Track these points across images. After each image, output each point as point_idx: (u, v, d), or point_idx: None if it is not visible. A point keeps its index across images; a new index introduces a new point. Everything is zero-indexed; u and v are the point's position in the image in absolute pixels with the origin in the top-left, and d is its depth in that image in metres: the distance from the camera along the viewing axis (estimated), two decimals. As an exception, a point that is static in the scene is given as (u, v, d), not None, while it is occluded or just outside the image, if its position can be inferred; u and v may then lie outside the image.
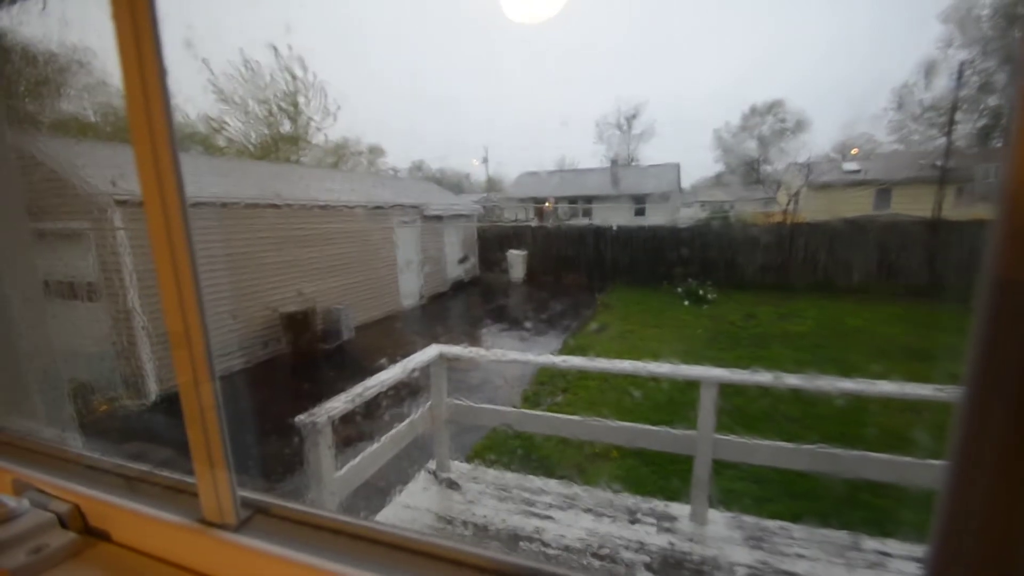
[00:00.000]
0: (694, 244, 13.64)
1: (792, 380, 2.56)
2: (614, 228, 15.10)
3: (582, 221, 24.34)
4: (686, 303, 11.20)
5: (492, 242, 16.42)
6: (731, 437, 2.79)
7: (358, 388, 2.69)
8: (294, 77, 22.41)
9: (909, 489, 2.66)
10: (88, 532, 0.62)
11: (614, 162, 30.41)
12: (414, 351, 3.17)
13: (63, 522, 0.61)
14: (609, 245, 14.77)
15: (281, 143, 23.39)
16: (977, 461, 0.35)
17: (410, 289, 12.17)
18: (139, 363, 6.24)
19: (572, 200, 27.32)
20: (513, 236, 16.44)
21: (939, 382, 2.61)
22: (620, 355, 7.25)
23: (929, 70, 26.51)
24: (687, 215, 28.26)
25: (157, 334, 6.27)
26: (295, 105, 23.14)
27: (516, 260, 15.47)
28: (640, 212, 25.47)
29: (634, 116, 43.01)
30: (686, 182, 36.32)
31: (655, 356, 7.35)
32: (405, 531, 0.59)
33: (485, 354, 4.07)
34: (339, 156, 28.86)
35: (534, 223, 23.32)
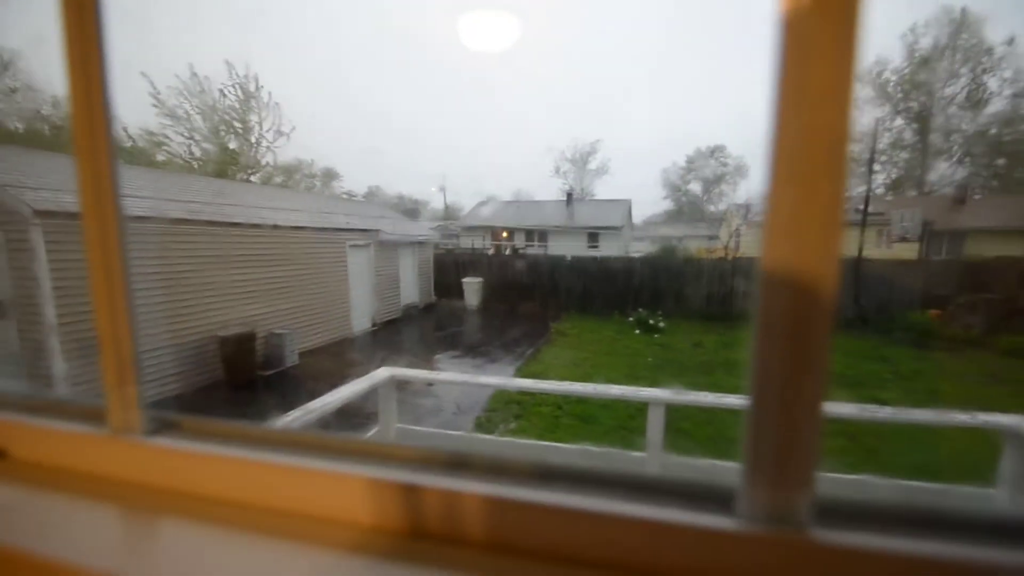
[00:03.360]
0: (644, 276, 14.15)
1: (732, 400, 2.67)
2: (568, 258, 15.45)
3: (538, 250, 24.78)
4: (637, 332, 11.51)
5: (448, 269, 16.35)
6: (681, 457, 2.84)
7: (297, 412, 2.53)
8: (246, 95, 21.91)
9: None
10: None
11: (570, 195, 31.41)
12: (363, 375, 3.05)
13: None
14: (564, 275, 15.07)
15: (228, 160, 22.57)
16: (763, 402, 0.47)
17: (362, 314, 11.82)
18: (51, 382, 5.64)
19: (528, 230, 27.82)
20: (469, 263, 16.45)
21: (861, 403, 2.80)
22: (574, 380, 7.29)
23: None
24: (638, 248, 29.40)
25: (75, 350, 5.72)
26: (244, 122, 22.54)
27: (472, 287, 15.44)
28: (594, 244, 26.26)
29: (590, 153, 44.98)
30: (637, 217, 38.00)
31: (608, 381, 7.44)
32: (314, 432, 0.61)
33: (437, 376, 3.98)
34: (291, 177, 28.15)
35: (490, 251, 23.49)
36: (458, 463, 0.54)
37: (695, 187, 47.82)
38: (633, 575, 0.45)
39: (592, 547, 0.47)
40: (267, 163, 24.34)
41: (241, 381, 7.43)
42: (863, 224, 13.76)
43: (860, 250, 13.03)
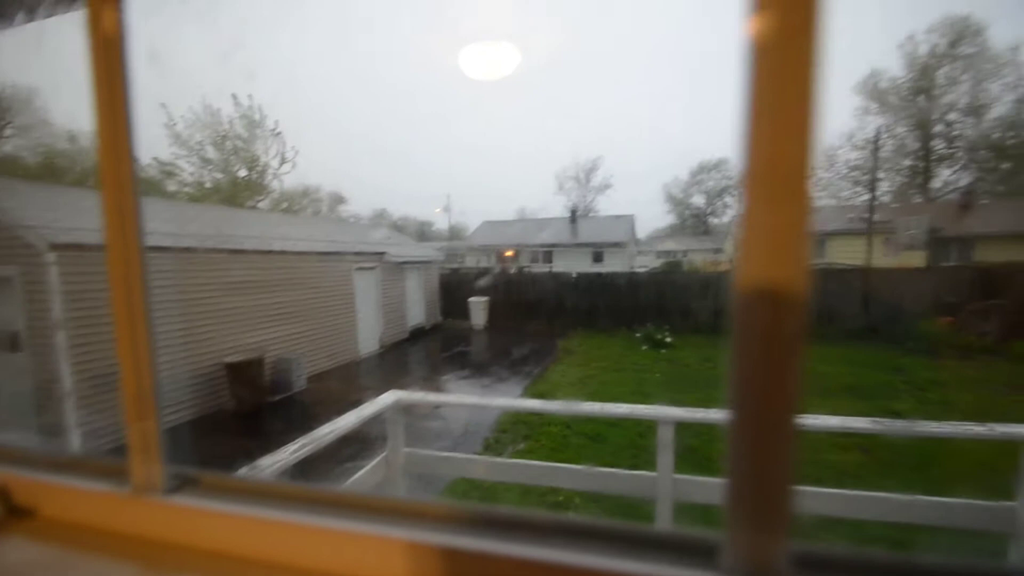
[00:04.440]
0: (650, 291, 14.12)
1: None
2: (574, 275, 15.47)
3: (543, 268, 24.85)
4: (644, 347, 11.43)
5: (454, 289, 16.41)
6: (692, 477, 2.80)
7: (306, 438, 2.54)
8: (253, 124, 22.49)
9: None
10: (13, 512, 0.62)
11: (573, 212, 31.59)
12: (369, 399, 3.06)
13: None
14: (569, 292, 15.07)
15: (237, 188, 23.04)
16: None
17: (369, 336, 11.86)
18: (61, 416, 5.69)
19: (533, 248, 27.95)
20: (475, 283, 16.52)
21: (874, 415, 2.76)
22: (583, 398, 7.24)
23: (850, 136, 29.71)
24: (643, 263, 29.40)
25: (89, 384, 5.78)
26: (251, 151, 23.09)
27: (478, 307, 15.47)
28: (598, 260, 26.30)
29: (592, 170, 45.34)
30: (641, 232, 38.08)
31: (617, 400, 7.38)
32: (338, 489, 0.61)
33: (444, 399, 3.97)
34: (297, 202, 28.63)
35: (496, 270, 23.61)
36: (483, 520, 0.55)
37: (698, 200, 47.94)
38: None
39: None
40: (274, 190, 24.82)
41: (249, 407, 7.45)
42: (869, 232, 13.69)
43: (868, 259, 12.94)
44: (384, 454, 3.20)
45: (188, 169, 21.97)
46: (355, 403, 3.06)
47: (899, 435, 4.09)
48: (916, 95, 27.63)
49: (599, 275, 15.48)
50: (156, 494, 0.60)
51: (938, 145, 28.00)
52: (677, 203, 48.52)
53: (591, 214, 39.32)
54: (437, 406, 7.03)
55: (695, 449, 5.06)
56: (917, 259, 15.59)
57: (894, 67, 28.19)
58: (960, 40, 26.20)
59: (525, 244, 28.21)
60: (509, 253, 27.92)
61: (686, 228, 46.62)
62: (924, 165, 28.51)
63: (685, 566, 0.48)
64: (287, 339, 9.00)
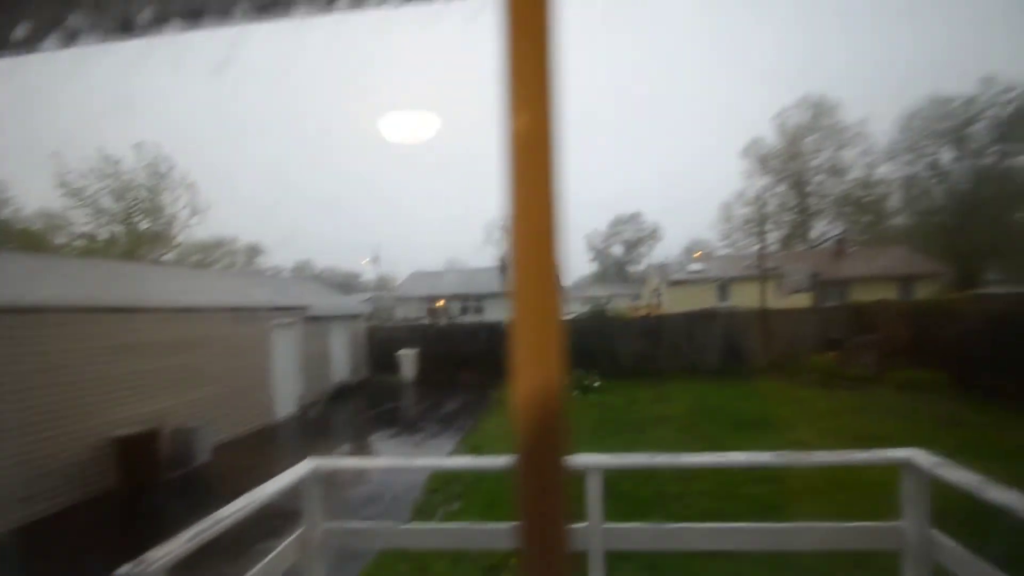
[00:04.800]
0: (578, 336, 14.55)
1: (661, 459, 2.75)
2: (504, 324, 15.60)
3: (474, 318, 24.82)
4: (575, 393, 11.63)
5: (382, 342, 15.85)
6: (623, 525, 2.82)
7: (206, 522, 2.26)
8: (159, 175, 21.07)
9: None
10: None
11: (503, 261, 32.29)
12: (284, 470, 2.80)
13: None
14: (500, 341, 15.12)
15: (139, 240, 21.12)
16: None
17: (287, 397, 11.00)
18: None
19: (463, 298, 27.95)
20: (404, 335, 16.09)
21: (781, 448, 3.00)
22: (513, 451, 7.12)
23: (741, 194, 33.78)
24: (570, 310, 30.38)
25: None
26: (156, 203, 21.47)
27: (408, 360, 15.00)
28: (528, 308, 26.79)
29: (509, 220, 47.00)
30: (568, 280, 39.60)
31: (549, 449, 7.34)
32: None
33: (367, 463, 3.74)
34: (210, 255, 26.71)
35: (426, 321, 23.18)
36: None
37: (617, 249, 51.17)
38: None
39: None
40: (181, 242, 23.05)
41: (141, 487, 6.51)
42: (763, 278, 15.30)
43: (763, 301, 14.38)
44: (299, 531, 2.92)
45: (81, 220, 19.88)
46: (267, 475, 2.79)
47: (801, 465, 4.44)
48: (790, 159, 32.26)
49: (529, 323, 15.73)
50: None
51: (812, 201, 32.58)
52: (598, 252, 51.41)
53: (519, 263, 40.29)
54: (361, 472, 6.58)
55: (627, 493, 5.13)
56: (804, 300, 17.60)
57: (771, 136, 32.86)
58: (819, 115, 31.36)
59: (456, 294, 28.17)
60: (439, 303, 27.67)
61: (608, 275, 49.26)
62: (802, 218, 32.91)
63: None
64: (191, 405, 8.10)
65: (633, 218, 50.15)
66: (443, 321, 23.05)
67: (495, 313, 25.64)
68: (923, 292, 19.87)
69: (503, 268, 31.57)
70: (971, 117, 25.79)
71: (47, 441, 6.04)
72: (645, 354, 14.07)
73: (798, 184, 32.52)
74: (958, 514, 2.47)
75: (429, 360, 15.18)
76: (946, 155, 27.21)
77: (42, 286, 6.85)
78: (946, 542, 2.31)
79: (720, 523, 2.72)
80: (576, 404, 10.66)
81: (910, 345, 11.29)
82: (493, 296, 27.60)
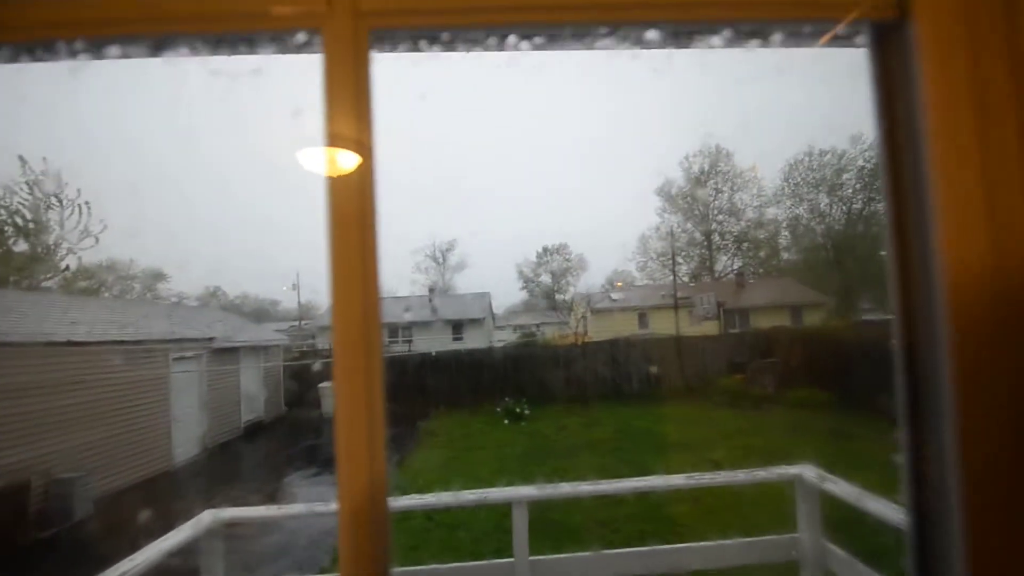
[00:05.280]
0: (508, 365, 14.63)
1: (586, 487, 2.83)
2: (434, 354, 15.33)
3: (403, 347, 24.11)
4: (505, 421, 11.59)
5: (302, 375, 14.86)
6: (549, 557, 2.83)
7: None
8: (42, 193, 18.66)
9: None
10: None
11: (431, 290, 31.89)
12: (179, 522, 2.50)
13: None
14: (430, 371, 14.79)
15: (12, 264, 18.35)
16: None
17: (188, 438, 9.89)
18: None
19: (392, 326, 27.12)
20: (327, 367, 15.21)
21: (698, 469, 3.20)
22: (446, 483, 6.91)
23: (657, 228, 36.48)
24: (500, 338, 30.52)
25: None
26: (35, 222, 18.90)
27: (330, 393, 14.14)
28: (458, 336, 26.56)
29: (448, 250, 46.90)
30: (498, 308, 39.84)
31: (479, 479, 7.22)
32: None
33: (274, 512, 3.44)
34: (101, 280, 23.76)
35: (350, 351, 22.06)
36: None
37: (546, 279, 52.59)
38: None
39: None
40: (67, 267, 20.32)
41: (4, 550, 5.47)
42: (675, 307, 16.45)
43: (677, 328, 15.42)
44: (198, 592, 2.61)
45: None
46: (156, 530, 2.48)
47: (710, 485, 4.74)
48: (695, 200, 35.53)
49: (459, 352, 15.60)
50: None
51: (715, 238, 35.95)
52: (528, 281, 52.44)
53: (449, 292, 40.10)
54: (269, 520, 6.02)
55: (556, 522, 5.15)
56: (713, 327, 19.13)
57: (680, 178, 36.07)
58: (717, 160, 35.04)
59: (384, 322, 27.24)
60: (365, 333, 26.57)
61: (537, 304, 50.27)
62: (708, 253, 36.14)
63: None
64: (71, 453, 7.01)
65: (560, 248, 51.94)
66: (369, 351, 22.14)
67: (424, 340, 25.11)
68: (811, 319, 22.37)
69: (431, 297, 31.15)
70: (841, 168, 30.12)
71: None
72: (573, 380, 14.42)
73: (703, 221, 35.83)
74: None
75: (353, 393, 14.42)
76: (823, 200, 31.39)
77: None
78: (837, 551, 2.57)
79: (640, 547, 2.83)
80: (507, 433, 10.61)
81: (803, 367, 12.60)
82: (422, 324, 27.07)
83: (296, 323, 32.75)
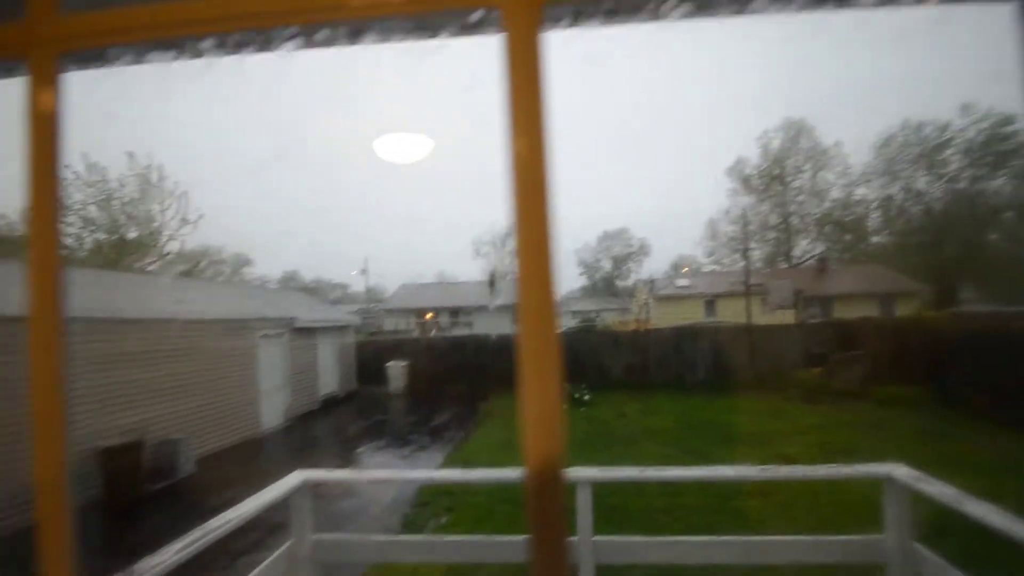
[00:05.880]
0: (568, 350, 14.61)
1: (651, 472, 2.79)
2: (493, 337, 15.61)
3: (463, 331, 24.76)
4: (564, 407, 11.63)
5: (371, 354, 15.73)
6: (612, 538, 2.84)
7: (197, 533, 2.24)
8: (149, 184, 20.87)
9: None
10: None
11: (492, 275, 32.34)
12: (271, 482, 2.77)
13: None
14: (489, 354, 15.10)
15: (124, 250, 20.80)
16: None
17: (273, 409, 10.83)
18: None
19: (453, 311, 27.89)
20: (393, 347, 15.99)
21: (767, 462, 3.06)
22: (507, 462, 7.10)
23: (727, 211, 34.40)
24: (560, 323, 30.46)
25: None
26: (146, 212, 21.22)
27: (396, 372, 14.89)
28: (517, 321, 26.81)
29: (508, 235, 47.24)
30: (556, 293, 39.72)
31: (538, 463, 7.33)
32: None
33: (356, 475, 3.71)
34: (196, 265, 26.35)
35: (415, 334, 23.05)
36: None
37: (606, 264, 51.58)
38: None
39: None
40: (169, 252, 22.74)
41: (124, 499, 6.35)
42: (747, 294, 15.56)
43: (748, 317, 14.61)
44: (288, 543, 2.89)
45: (65, 230, 19.61)
46: (251, 488, 2.76)
47: (785, 479, 4.51)
48: (772, 180, 33.04)
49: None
50: None
51: (794, 221, 33.30)
52: (588, 267, 51.74)
53: (508, 277, 40.49)
54: (350, 483, 6.49)
55: (616, 507, 5.14)
56: (788, 317, 17.91)
57: (755, 156, 33.67)
58: (799, 136, 32.25)
59: (445, 307, 28.10)
60: (429, 316, 27.57)
61: (597, 290, 49.55)
62: (785, 237, 33.59)
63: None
64: (174, 417, 7.94)
65: (621, 233, 50.69)
66: (432, 333, 22.96)
67: (484, 326, 25.61)
68: (903, 310, 20.35)
69: (491, 282, 31.67)
70: (943, 142, 26.75)
71: (32, 450, 5.88)
72: (634, 368, 14.16)
73: (781, 203, 33.27)
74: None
75: (418, 372, 15.08)
76: (921, 178, 28.12)
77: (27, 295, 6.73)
78: (928, 555, 2.38)
79: (708, 536, 2.76)
80: (566, 418, 10.66)
81: (892, 361, 11.54)
82: (481, 309, 27.59)
83: (364, 306, 34.57)
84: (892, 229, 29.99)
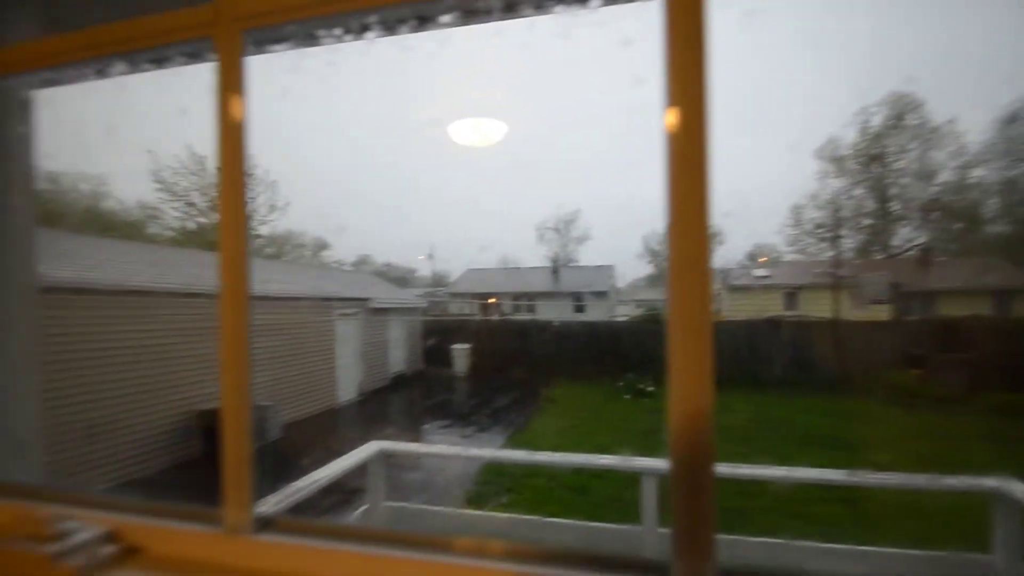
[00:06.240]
0: (631, 340, 14.28)
1: (723, 469, 2.67)
2: (556, 323, 15.59)
3: (525, 316, 24.95)
4: (627, 397, 11.42)
5: (436, 336, 16.31)
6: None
7: (287, 490, 2.48)
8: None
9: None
10: (125, 551, 0.71)
11: (555, 261, 32.20)
12: (348, 450, 2.99)
13: (103, 542, 0.70)
14: (551, 340, 15.12)
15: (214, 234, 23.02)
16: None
17: (348, 383, 11.59)
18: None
19: (516, 296, 28.15)
20: (457, 330, 16.46)
21: (855, 466, 2.82)
22: (566, 450, 7.13)
23: (814, 196, 31.57)
24: (623, 312, 29.81)
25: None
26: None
27: (460, 354, 15.34)
28: (580, 308, 26.57)
29: (571, 222, 46.66)
30: (620, 282, 38.83)
31: (600, 451, 7.29)
32: (397, 530, 0.67)
33: (427, 449, 3.90)
34: (281, 248, 28.58)
35: (478, 317, 23.57)
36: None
37: (675, 252, 49.41)
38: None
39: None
40: (259, 236, 24.84)
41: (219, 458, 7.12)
42: (836, 287, 14.29)
43: (836, 311, 13.43)
44: (364, 507, 3.10)
45: (172, 213, 22.01)
46: (332, 453, 3.00)
47: (875, 486, 4.13)
48: (871, 161, 29.78)
49: (581, 323, 15.64)
50: (246, 533, 0.70)
51: (894, 206, 29.90)
52: (655, 254, 49.90)
53: (572, 264, 40.10)
54: (419, 456, 6.83)
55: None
56: (883, 312, 16.24)
57: (849, 135, 30.46)
58: (905, 113, 28.73)
59: (508, 292, 28.42)
60: (492, 301, 28.03)
61: (664, 278, 47.71)
62: (883, 224, 30.26)
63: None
64: (264, 386, 8.74)
65: (692, 220, 48.27)
66: (495, 318, 23.36)
67: (546, 311, 25.62)
68: (1022, 309, 17.76)
69: (555, 268, 31.48)
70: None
71: (146, 409, 6.75)
72: (702, 361, 13.54)
73: (879, 187, 29.95)
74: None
75: (480, 356, 15.44)
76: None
77: (141, 271, 7.66)
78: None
79: (778, 539, 2.61)
80: (628, 408, 10.47)
81: (1006, 366, 10.16)
82: (545, 295, 27.60)
83: (431, 290, 35.79)
84: (1014, 217, 26.10)
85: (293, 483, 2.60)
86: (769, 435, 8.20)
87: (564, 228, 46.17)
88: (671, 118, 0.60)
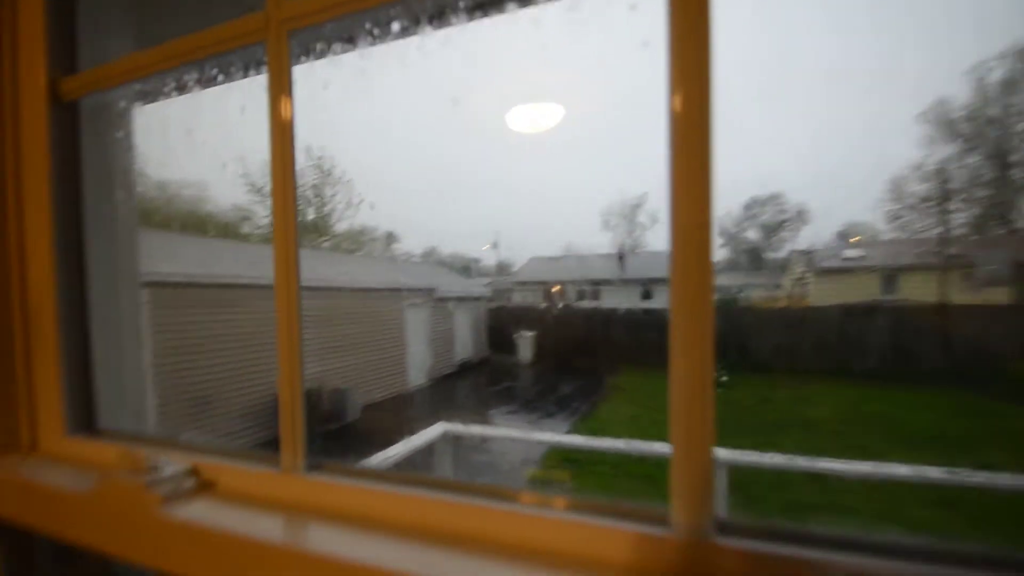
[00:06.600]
0: (702, 327, 13.63)
1: (802, 462, 2.51)
2: (621, 311, 15.26)
3: (590, 304, 24.63)
4: (698, 387, 10.97)
5: (501, 324, 16.58)
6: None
7: (379, 456, 2.70)
8: (324, 173, 24.48)
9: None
10: (202, 484, 0.90)
11: (620, 248, 31.40)
12: (419, 431, 3.17)
13: (186, 476, 0.89)
14: (617, 328, 14.82)
15: (304, 230, 24.88)
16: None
17: (418, 369, 12.15)
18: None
19: (580, 284, 27.86)
20: (522, 318, 16.61)
21: (965, 468, 2.53)
22: (635, 437, 7.01)
23: (918, 166, 28.11)
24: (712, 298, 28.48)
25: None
26: (321, 196, 24.98)
27: (525, 342, 15.49)
28: (647, 296, 25.76)
29: (638, 206, 45.13)
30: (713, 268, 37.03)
31: (666, 440, 7.08)
32: (439, 477, 0.73)
33: (490, 431, 4.01)
34: (356, 241, 30.34)
35: (543, 306, 23.62)
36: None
37: (752, 234, 46.29)
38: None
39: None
40: (338, 232, 26.55)
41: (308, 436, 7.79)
42: (943, 267, 12.70)
43: (943, 295, 11.95)
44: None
45: (262, 213, 24.09)
46: (404, 433, 3.18)
47: (984, 487, 3.64)
48: (988, 123, 25.91)
49: (648, 311, 15.19)
50: (299, 473, 0.85)
51: (1017, 174, 25.86)
52: (730, 237, 46.99)
53: (638, 250, 38.89)
54: (484, 439, 7.04)
55: (755, 498, 4.77)
56: (1003, 295, 14.18)
57: (961, 95, 26.63)
58: (1034, 65, 24.60)
59: (572, 280, 28.18)
60: (556, 289, 27.95)
61: (740, 263, 44.93)
62: (1003, 195, 26.27)
63: (653, 525, 0.64)
64: (343, 370, 9.40)
65: (773, 199, 44.83)
66: (560, 306, 23.29)
67: (611, 299, 25.13)
68: None
69: (620, 255, 30.71)
70: None
71: (245, 389, 7.53)
72: (782, 350, 12.67)
73: (998, 153, 26.02)
74: None
75: (545, 343, 15.49)
76: None
77: (234, 266, 8.47)
78: None
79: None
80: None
81: None
82: (609, 283, 27.05)
83: (495, 279, 36.34)
84: None
85: (368, 459, 2.81)
86: (859, 430, 7.53)
87: (630, 213, 44.78)
88: (675, 101, 0.59)
